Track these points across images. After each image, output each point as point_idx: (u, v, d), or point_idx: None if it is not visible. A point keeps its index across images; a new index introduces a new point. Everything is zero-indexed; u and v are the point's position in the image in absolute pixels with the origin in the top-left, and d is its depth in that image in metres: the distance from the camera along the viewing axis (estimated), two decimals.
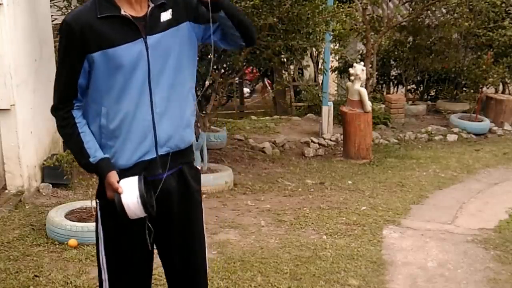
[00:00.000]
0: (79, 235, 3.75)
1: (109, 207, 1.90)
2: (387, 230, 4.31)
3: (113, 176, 1.89)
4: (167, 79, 1.93)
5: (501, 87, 10.50)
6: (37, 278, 3.31)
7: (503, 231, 4.31)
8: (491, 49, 9.44)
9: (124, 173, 1.91)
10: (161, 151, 1.95)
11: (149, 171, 1.94)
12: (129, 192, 1.84)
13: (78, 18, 1.85)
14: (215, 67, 5.60)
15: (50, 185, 4.96)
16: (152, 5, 1.91)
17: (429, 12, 9.61)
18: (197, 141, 5.54)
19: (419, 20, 9.32)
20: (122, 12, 1.87)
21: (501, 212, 4.81)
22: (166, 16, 1.93)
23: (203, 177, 5.49)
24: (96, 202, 2.02)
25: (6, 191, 4.74)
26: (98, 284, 3.18)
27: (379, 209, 4.82)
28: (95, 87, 1.90)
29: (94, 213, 3.98)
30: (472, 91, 9.64)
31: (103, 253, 2.01)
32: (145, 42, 1.88)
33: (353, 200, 5.10)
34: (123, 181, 1.88)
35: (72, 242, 3.72)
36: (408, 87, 10.39)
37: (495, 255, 3.82)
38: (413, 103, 9.83)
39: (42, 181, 5.03)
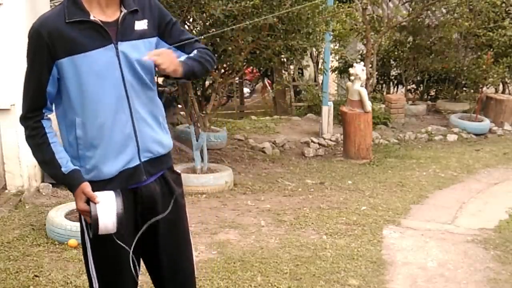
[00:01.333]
0: (79, 235, 3.73)
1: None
2: (387, 230, 4.31)
3: (87, 185, 1.83)
4: (141, 85, 1.90)
5: (501, 87, 10.50)
6: (37, 278, 3.30)
7: (503, 231, 4.31)
8: (491, 49, 9.43)
9: (107, 183, 1.87)
10: (144, 157, 1.93)
11: (134, 178, 1.91)
12: (106, 206, 1.78)
13: (46, 23, 1.79)
14: (215, 67, 5.59)
15: (50, 185, 4.96)
16: (124, 10, 1.87)
17: (429, 12, 9.60)
18: (197, 141, 5.54)
19: (419, 20, 9.31)
20: (92, 17, 1.81)
21: (501, 212, 4.81)
22: (141, 25, 1.90)
23: (204, 177, 5.55)
24: (79, 216, 1.97)
25: (6, 191, 4.75)
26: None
27: (379, 209, 4.82)
28: (67, 96, 1.84)
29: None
30: (472, 91, 9.63)
31: (92, 262, 1.98)
32: (116, 48, 1.84)
33: (353, 200, 5.10)
34: (98, 193, 1.81)
35: (72, 242, 3.72)
36: (408, 87, 10.38)
37: (495, 255, 3.82)
38: (413, 103, 9.83)
39: (42, 181, 5.04)
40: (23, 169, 4.75)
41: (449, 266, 3.65)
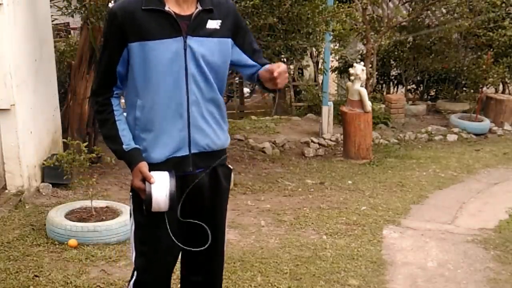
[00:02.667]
0: (79, 235, 3.75)
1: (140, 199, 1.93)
2: (387, 230, 4.31)
3: (145, 165, 1.93)
4: (204, 81, 1.95)
5: (501, 87, 10.49)
6: (37, 278, 3.30)
7: (503, 231, 4.31)
8: (491, 49, 9.43)
9: (155, 167, 1.94)
10: (194, 150, 1.99)
11: (180, 167, 1.98)
12: (160, 185, 1.87)
13: (124, 7, 1.89)
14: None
15: (50, 185, 4.96)
16: (200, 8, 1.94)
17: (429, 12, 9.61)
18: None
19: (419, 20, 9.31)
20: (166, 8, 1.89)
21: (501, 212, 4.81)
22: (213, 24, 1.96)
23: None
24: (130, 195, 2.05)
25: (6, 191, 4.74)
26: (101, 283, 3.22)
27: (379, 209, 4.82)
28: (133, 78, 1.93)
29: (94, 213, 3.99)
30: (472, 91, 9.62)
31: (133, 247, 2.07)
32: (185, 42, 1.90)
33: (353, 200, 5.10)
34: (153, 173, 1.90)
35: (72, 242, 3.72)
36: (408, 87, 10.38)
37: (495, 255, 3.82)
38: (413, 103, 9.82)
39: (42, 181, 5.03)
40: (23, 169, 4.75)
41: (449, 266, 3.65)
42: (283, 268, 3.53)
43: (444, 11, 9.59)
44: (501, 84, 10.27)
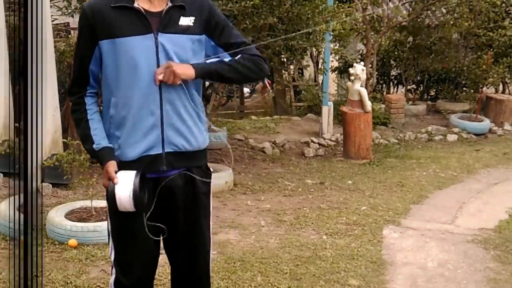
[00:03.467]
0: (79, 235, 3.75)
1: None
2: (387, 230, 4.31)
3: (111, 165, 1.92)
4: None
5: (501, 87, 10.49)
6: (37, 278, 3.30)
7: (503, 231, 4.31)
8: (491, 49, 9.43)
9: (129, 165, 1.93)
10: (168, 149, 1.96)
11: (153, 166, 1.95)
12: (124, 185, 1.87)
13: (93, 5, 1.91)
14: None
15: (50, 185, 4.95)
16: (170, 4, 1.92)
17: (429, 12, 9.60)
18: None
19: (419, 20, 9.30)
20: (135, 4, 1.89)
21: (501, 212, 4.81)
22: (186, 21, 1.94)
23: None
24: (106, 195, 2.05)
25: None
26: (101, 283, 3.21)
27: (379, 209, 4.82)
28: (106, 76, 1.94)
29: (94, 213, 3.99)
30: (472, 91, 9.62)
31: (112, 245, 2.07)
32: (156, 39, 1.89)
33: (353, 200, 5.09)
34: (120, 172, 1.91)
35: (72, 242, 3.72)
36: (408, 87, 10.37)
37: (495, 255, 3.82)
38: (413, 103, 9.81)
39: (42, 181, 5.02)
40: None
41: (449, 266, 3.65)
42: (283, 268, 3.52)
43: (444, 11, 9.58)
44: (501, 84, 10.28)
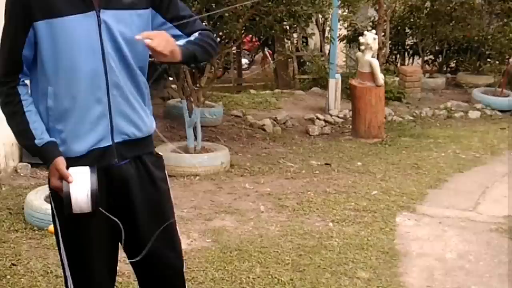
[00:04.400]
0: None
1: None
2: (401, 217, 4.31)
3: (61, 162, 1.85)
4: (123, 60, 1.89)
5: None
6: (14, 266, 3.31)
7: None
8: None
9: (75, 161, 1.87)
10: (118, 138, 1.93)
11: (104, 160, 1.92)
12: (79, 184, 1.81)
13: None
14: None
15: (29, 165, 4.95)
16: None
17: None
18: (190, 117, 5.51)
19: None
20: None
21: None
22: None
23: (197, 157, 5.52)
24: (50, 193, 1.99)
25: None
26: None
27: (391, 193, 4.81)
28: (41, 62, 1.85)
29: None
30: (497, 62, 9.60)
31: (63, 248, 1.99)
32: (98, 16, 1.83)
33: (362, 184, 5.09)
34: (72, 169, 1.84)
35: (53, 228, 3.70)
36: (425, 58, 10.35)
37: None
38: (431, 76, 9.79)
39: (20, 160, 5.02)
40: None
41: (470, 258, 3.64)
42: (285, 258, 3.52)
43: None
44: None
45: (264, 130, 7.12)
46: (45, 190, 4.03)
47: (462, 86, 9.52)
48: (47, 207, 3.77)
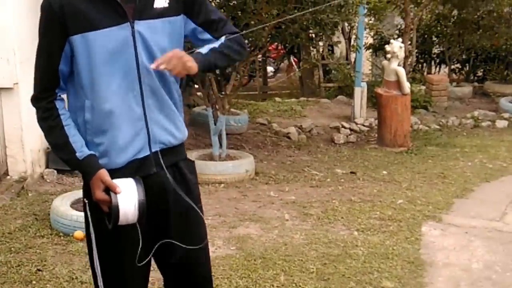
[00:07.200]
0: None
1: (99, 207, 1.87)
2: (427, 226, 4.26)
3: (106, 174, 1.85)
4: (158, 71, 1.89)
5: None
6: (40, 272, 3.35)
7: None
8: None
9: (114, 173, 1.87)
10: (155, 148, 1.94)
11: (143, 169, 1.93)
12: (127, 195, 1.80)
13: None
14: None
15: (55, 171, 5.02)
16: None
17: None
18: (215, 125, 5.53)
19: None
20: None
21: None
22: (161, 3, 1.90)
23: (222, 164, 5.55)
24: (84, 202, 1.98)
25: (8, 177, 4.81)
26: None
27: (417, 203, 4.77)
28: (78, 76, 1.86)
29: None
30: None
31: (97, 258, 1.96)
32: (132, 28, 1.84)
33: (388, 193, 5.06)
34: (117, 181, 1.83)
35: (78, 234, 3.75)
36: (452, 66, 10.27)
37: None
38: (458, 85, 9.70)
39: (47, 166, 5.09)
40: (26, 153, 4.80)
41: (496, 269, 3.59)
42: (309, 267, 3.51)
43: None
44: None
45: (289, 138, 7.13)
46: (70, 197, 4.09)
47: (489, 95, 9.41)
48: (73, 213, 3.83)
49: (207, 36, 2.00)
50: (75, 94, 1.91)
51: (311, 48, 10.09)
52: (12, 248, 3.65)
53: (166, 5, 1.90)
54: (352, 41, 9.66)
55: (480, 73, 10.65)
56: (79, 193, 4.19)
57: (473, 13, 9.36)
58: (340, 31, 9.80)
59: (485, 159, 6.33)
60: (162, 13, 1.90)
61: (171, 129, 1.97)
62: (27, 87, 4.73)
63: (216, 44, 1.98)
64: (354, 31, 8.90)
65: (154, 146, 1.94)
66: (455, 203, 4.84)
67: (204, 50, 1.95)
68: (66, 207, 3.92)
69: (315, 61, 9.79)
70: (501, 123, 8.13)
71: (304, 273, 3.43)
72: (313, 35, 6.52)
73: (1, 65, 4.57)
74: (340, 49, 10.36)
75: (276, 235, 4.03)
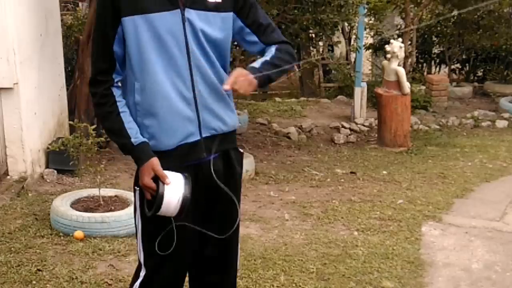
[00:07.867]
0: (86, 227, 3.78)
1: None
2: (427, 226, 4.26)
3: (158, 163, 1.91)
4: (206, 57, 1.94)
5: None
6: (40, 272, 3.34)
7: None
8: None
9: (165, 155, 1.93)
10: (205, 133, 1.98)
11: (193, 154, 1.97)
12: (174, 188, 1.85)
13: None
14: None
15: (55, 171, 5.01)
16: None
17: None
18: None
19: None
20: None
21: None
22: None
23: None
24: (135, 190, 2.04)
25: (8, 177, 4.81)
26: (109, 279, 3.23)
27: (417, 203, 4.77)
28: (129, 58, 1.92)
29: (101, 202, 4.02)
30: None
31: (141, 246, 2.05)
32: (182, 15, 1.89)
33: (388, 193, 5.06)
34: (167, 172, 1.88)
35: (78, 234, 3.75)
36: (452, 66, 10.27)
37: None
38: (458, 85, 9.70)
39: (47, 166, 5.09)
40: (26, 153, 4.80)
41: (496, 269, 3.59)
42: (309, 267, 3.51)
43: None
44: None
45: (289, 138, 7.13)
46: (70, 197, 4.10)
47: (489, 95, 9.41)
48: (73, 213, 3.83)
49: (254, 38, 2.05)
50: (126, 76, 1.96)
51: (311, 48, 10.11)
52: (12, 248, 3.64)
53: (220, 0, 1.94)
54: (352, 41, 9.67)
55: (480, 73, 10.65)
56: (79, 193, 4.21)
57: (473, 13, 9.36)
58: (340, 31, 9.80)
59: (485, 159, 6.33)
60: (214, 8, 1.94)
61: (222, 116, 2.01)
62: (27, 87, 4.76)
63: (267, 57, 2.02)
64: (354, 31, 8.90)
65: (205, 131, 1.97)
66: (455, 203, 4.84)
67: (256, 64, 1.99)
68: (66, 207, 3.92)
69: (315, 61, 9.80)
70: (501, 123, 8.12)
71: (304, 273, 3.43)
72: (313, 35, 6.53)
73: (1, 65, 4.56)
74: (340, 49, 10.38)
75: (276, 235, 4.03)
